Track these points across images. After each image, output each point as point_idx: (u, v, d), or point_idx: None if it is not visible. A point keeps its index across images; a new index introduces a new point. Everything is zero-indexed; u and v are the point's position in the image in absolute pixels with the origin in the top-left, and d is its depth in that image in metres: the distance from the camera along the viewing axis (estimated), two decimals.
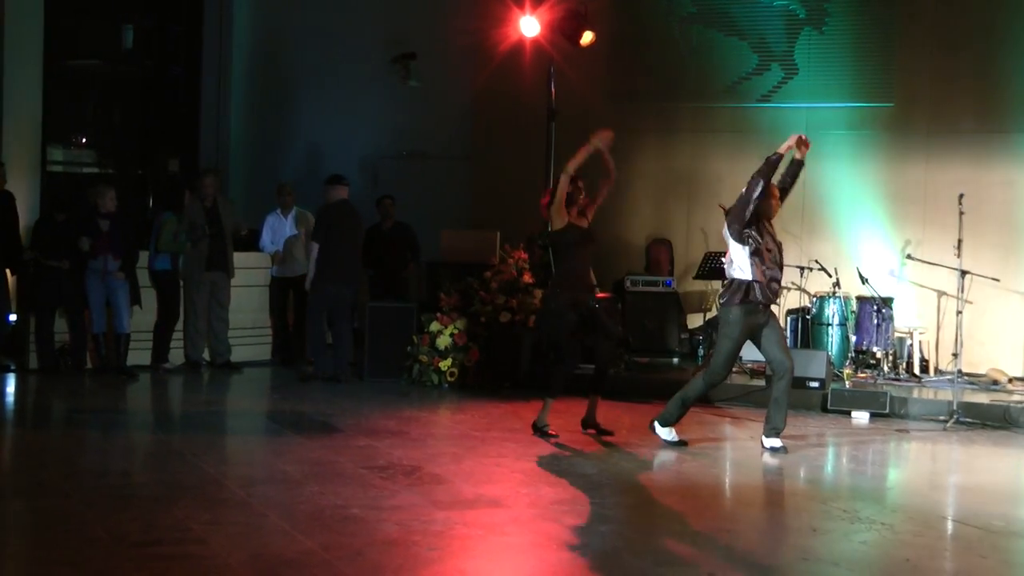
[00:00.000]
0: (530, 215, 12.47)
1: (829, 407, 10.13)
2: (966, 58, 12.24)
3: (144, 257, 11.53)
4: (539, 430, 8.54)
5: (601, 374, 8.71)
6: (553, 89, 12.43)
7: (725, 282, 8.36)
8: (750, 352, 11.51)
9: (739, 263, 8.16)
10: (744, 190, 8.17)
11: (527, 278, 11.21)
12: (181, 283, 11.63)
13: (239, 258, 12.00)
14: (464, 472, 7.25)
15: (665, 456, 8.07)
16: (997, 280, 11.43)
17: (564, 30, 12.13)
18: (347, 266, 11.26)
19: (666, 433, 8.41)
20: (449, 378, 11.07)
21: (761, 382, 10.53)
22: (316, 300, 11.27)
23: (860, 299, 11.38)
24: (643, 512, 6.56)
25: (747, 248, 8.10)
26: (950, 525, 6.56)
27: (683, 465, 7.82)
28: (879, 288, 11.38)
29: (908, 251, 11.98)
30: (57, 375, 10.93)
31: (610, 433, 8.64)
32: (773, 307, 8.39)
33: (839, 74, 12.70)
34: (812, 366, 10.30)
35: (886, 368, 11.25)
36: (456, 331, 11.08)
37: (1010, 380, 11.15)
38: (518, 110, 13.55)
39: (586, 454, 8.02)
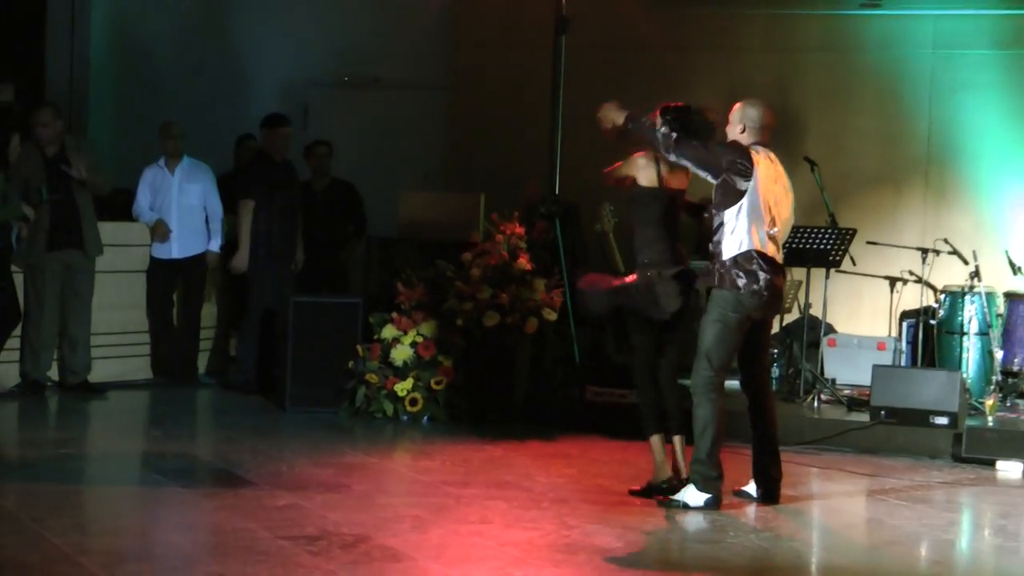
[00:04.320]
0: (529, 171, 12.45)
1: (964, 454, 10.10)
2: None
3: None
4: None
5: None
6: None
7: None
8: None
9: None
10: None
11: (523, 262, 11.14)
12: (17, 269, 11.53)
13: (105, 230, 11.91)
14: (431, 545, 7.21)
15: (731, 525, 7.99)
16: None
17: None
18: (283, 241, 12.23)
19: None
20: (409, 407, 11.03)
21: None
22: (257, 286, 12.15)
23: (1010, 297, 11.37)
24: None
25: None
26: None
27: (753, 537, 7.76)
28: None
29: None
30: None
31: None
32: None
33: None
34: (939, 394, 10.27)
35: None
36: (420, 339, 11.06)
37: None
38: (515, 20, 13.53)
39: (613, 518, 7.95)
